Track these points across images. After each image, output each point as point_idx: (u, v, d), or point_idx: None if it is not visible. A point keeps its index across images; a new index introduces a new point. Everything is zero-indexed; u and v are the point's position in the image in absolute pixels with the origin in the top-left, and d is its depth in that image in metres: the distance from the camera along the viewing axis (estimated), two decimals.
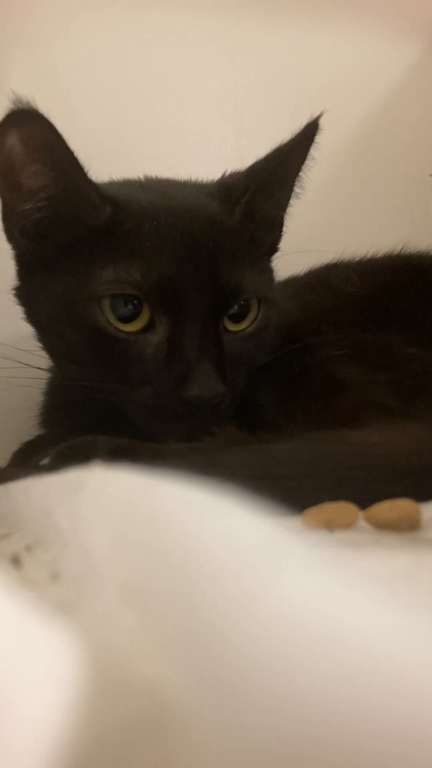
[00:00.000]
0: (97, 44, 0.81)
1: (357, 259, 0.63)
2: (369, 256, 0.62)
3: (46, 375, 0.61)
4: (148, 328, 0.48)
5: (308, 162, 0.56)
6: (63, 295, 0.50)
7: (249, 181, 0.55)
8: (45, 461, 0.46)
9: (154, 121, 0.82)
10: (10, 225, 0.52)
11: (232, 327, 0.52)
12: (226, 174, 0.59)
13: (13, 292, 0.56)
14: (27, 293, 0.55)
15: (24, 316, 0.56)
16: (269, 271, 0.59)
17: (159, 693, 0.15)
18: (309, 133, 0.54)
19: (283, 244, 0.60)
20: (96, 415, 0.53)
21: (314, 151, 0.55)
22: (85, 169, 0.49)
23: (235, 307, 0.51)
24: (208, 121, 0.84)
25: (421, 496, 0.36)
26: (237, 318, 0.52)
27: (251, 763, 0.13)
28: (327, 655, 0.13)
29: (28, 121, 0.47)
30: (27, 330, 0.57)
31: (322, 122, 0.54)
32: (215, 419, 0.48)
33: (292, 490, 0.37)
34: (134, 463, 0.25)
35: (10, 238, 0.53)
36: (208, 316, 0.49)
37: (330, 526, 0.33)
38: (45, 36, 0.78)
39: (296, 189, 0.57)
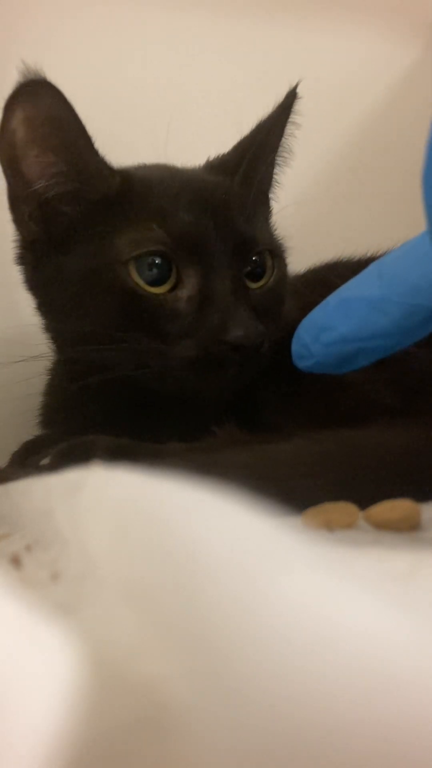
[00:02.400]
0: (96, 44, 0.81)
1: (357, 258, 0.63)
2: (369, 255, 0.62)
3: (44, 374, 0.61)
4: (176, 286, 0.49)
5: (288, 130, 0.58)
6: (84, 266, 0.50)
7: (240, 156, 0.56)
8: (45, 461, 0.46)
9: (154, 121, 0.82)
10: (19, 211, 0.52)
11: (253, 285, 0.52)
12: (210, 158, 0.60)
13: (25, 283, 0.55)
14: (42, 279, 0.54)
15: (37, 306, 0.55)
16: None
17: (159, 693, 0.15)
18: (288, 102, 0.56)
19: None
20: (97, 414, 0.53)
21: (295, 117, 0.57)
22: (93, 141, 0.49)
23: (254, 259, 0.52)
24: (208, 120, 0.84)
25: (421, 496, 0.36)
26: (256, 276, 0.53)
27: (252, 763, 0.13)
28: (327, 655, 0.13)
29: (37, 93, 0.47)
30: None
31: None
32: (256, 365, 0.49)
33: (292, 490, 0.37)
34: (134, 463, 0.25)
35: (21, 225, 0.53)
36: (234, 265, 0.49)
37: (330, 526, 0.33)
38: (44, 35, 0.78)
39: (278, 161, 0.59)
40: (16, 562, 0.26)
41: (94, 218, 0.50)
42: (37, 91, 0.47)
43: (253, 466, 0.40)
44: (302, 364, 0.45)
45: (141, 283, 0.48)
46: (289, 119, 0.57)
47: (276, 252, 0.55)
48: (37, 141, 0.48)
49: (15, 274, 0.56)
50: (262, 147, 0.56)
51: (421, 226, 0.39)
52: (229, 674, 0.13)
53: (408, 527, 0.33)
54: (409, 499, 0.34)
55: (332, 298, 0.43)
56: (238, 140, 0.58)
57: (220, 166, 0.57)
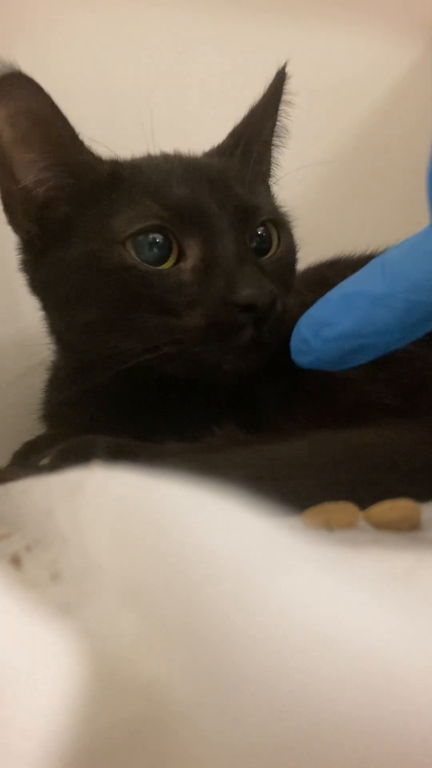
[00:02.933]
0: (97, 44, 0.81)
1: (356, 256, 0.63)
2: (368, 253, 0.62)
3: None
4: (179, 259, 0.48)
5: (282, 110, 0.58)
6: (83, 253, 0.49)
7: (236, 140, 0.56)
8: (45, 461, 0.46)
9: (154, 122, 0.82)
10: (14, 211, 0.52)
11: (260, 259, 0.51)
12: (206, 150, 0.60)
13: (29, 286, 0.55)
14: (44, 277, 0.53)
15: (42, 307, 0.54)
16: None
17: (159, 692, 0.15)
18: (277, 82, 0.56)
19: None
20: (98, 413, 0.53)
21: (287, 97, 0.58)
22: (77, 132, 0.49)
23: (259, 233, 0.51)
24: (208, 121, 0.84)
25: (421, 496, 0.36)
26: (262, 252, 0.52)
27: (252, 762, 0.13)
28: (326, 655, 0.13)
29: (15, 87, 0.47)
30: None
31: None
32: (275, 326, 0.47)
33: (292, 490, 0.37)
34: (134, 463, 0.25)
35: (17, 226, 0.53)
36: (237, 230, 0.48)
37: (330, 526, 0.33)
38: (44, 36, 0.78)
39: (275, 142, 0.59)
40: (16, 562, 0.26)
41: (88, 207, 0.50)
42: (14, 85, 0.47)
43: (253, 466, 0.40)
44: (302, 359, 0.44)
45: (140, 263, 0.47)
46: (282, 99, 0.57)
47: (280, 222, 0.54)
48: (23, 137, 0.48)
49: (16, 280, 0.56)
50: (257, 129, 0.56)
51: (421, 224, 0.39)
52: (229, 674, 0.13)
53: (408, 527, 0.33)
54: (409, 499, 0.34)
55: (334, 293, 0.43)
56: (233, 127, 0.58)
57: (217, 152, 0.58)
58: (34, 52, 0.79)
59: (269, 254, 0.52)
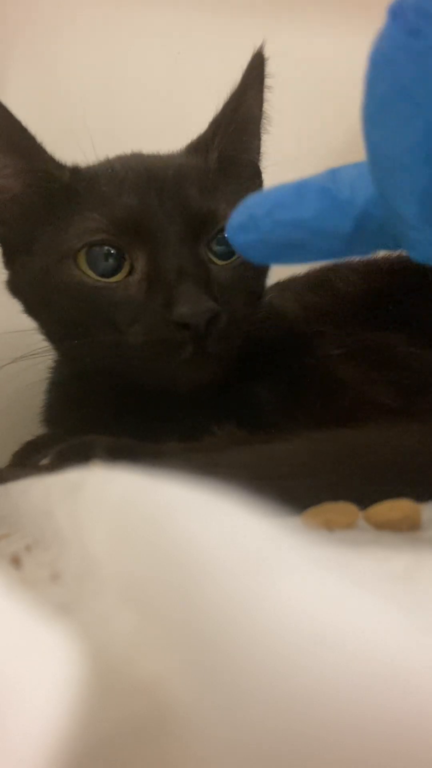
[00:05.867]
0: (97, 44, 0.81)
1: (357, 259, 0.63)
2: (368, 257, 0.62)
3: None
4: (130, 272, 0.48)
5: (266, 96, 0.56)
6: (41, 264, 0.50)
7: (214, 131, 0.55)
8: (45, 461, 0.46)
9: (154, 122, 0.82)
10: None
11: (222, 262, 0.51)
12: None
13: (6, 285, 0.56)
14: (16, 280, 0.55)
15: (22, 308, 0.56)
16: None
17: (159, 693, 0.15)
18: (256, 66, 0.54)
19: None
20: (98, 414, 0.53)
21: (269, 81, 0.55)
22: (38, 140, 0.50)
23: (220, 236, 0.50)
24: (209, 121, 0.84)
25: (421, 496, 0.36)
26: (226, 255, 0.51)
27: (252, 762, 0.13)
28: (326, 654, 0.13)
29: None
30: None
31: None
32: (220, 342, 0.47)
33: (292, 490, 0.37)
34: (134, 463, 0.25)
35: None
36: (183, 242, 0.48)
37: (330, 526, 0.33)
38: (45, 36, 0.78)
39: (263, 129, 0.57)
40: (16, 562, 0.27)
41: (47, 216, 0.51)
42: None
43: (253, 466, 0.40)
44: (240, 237, 0.40)
45: (91, 274, 0.48)
46: (265, 83, 0.55)
47: None
48: None
49: None
50: (236, 117, 0.55)
51: None
52: (229, 673, 0.13)
53: (408, 527, 0.33)
54: (409, 499, 0.34)
55: (298, 184, 0.40)
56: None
57: (197, 144, 0.57)
58: (34, 52, 0.79)
59: (232, 258, 0.51)
